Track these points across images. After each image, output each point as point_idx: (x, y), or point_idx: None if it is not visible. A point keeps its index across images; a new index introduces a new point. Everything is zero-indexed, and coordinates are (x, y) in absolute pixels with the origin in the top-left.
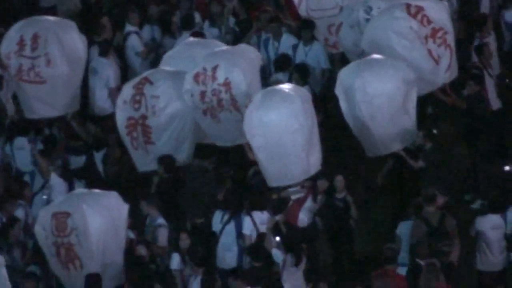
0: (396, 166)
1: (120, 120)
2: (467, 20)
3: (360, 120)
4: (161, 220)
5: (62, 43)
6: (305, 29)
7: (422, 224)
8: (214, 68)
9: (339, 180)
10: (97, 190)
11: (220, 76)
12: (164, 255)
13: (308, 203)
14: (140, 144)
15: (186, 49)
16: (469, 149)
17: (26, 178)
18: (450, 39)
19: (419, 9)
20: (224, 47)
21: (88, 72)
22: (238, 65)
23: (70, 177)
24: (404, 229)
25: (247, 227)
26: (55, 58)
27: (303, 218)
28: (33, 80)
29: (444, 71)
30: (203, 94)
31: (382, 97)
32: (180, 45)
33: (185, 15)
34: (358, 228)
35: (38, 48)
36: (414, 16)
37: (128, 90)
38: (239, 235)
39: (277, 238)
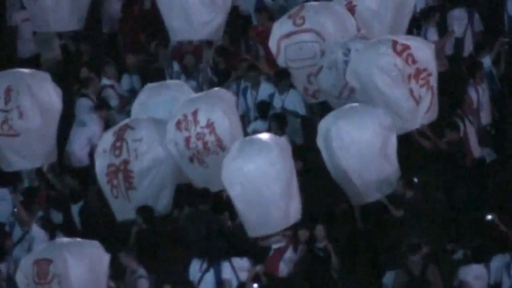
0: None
1: (100, 168)
2: (460, 65)
3: (339, 169)
4: (141, 271)
5: (35, 95)
6: (280, 78)
7: (404, 274)
8: (195, 113)
9: (320, 229)
10: (79, 239)
11: (202, 119)
12: None
13: (289, 253)
14: (121, 191)
15: (150, 95)
16: (450, 198)
17: (6, 229)
18: (433, 81)
19: (405, 47)
20: (192, 93)
21: (63, 122)
22: (217, 106)
23: (52, 228)
24: (390, 278)
25: (227, 272)
26: (27, 110)
27: (284, 268)
28: (7, 133)
29: (423, 112)
30: (187, 140)
31: (359, 144)
32: (143, 92)
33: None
34: (340, 277)
35: (11, 101)
36: (400, 54)
37: (107, 138)
38: (219, 283)
39: (255, 286)
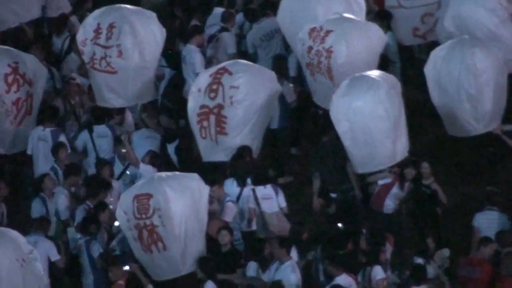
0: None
1: (192, 107)
2: None
3: (464, 96)
4: (230, 198)
5: (137, 34)
6: (381, 19)
7: None
8: (328, 32)
9: (426, 166)
10: (177, 172)
11: (328, 42)
12: None
13: (395, 189)
14: (210, 133)
15: None
16: None
17: None
18: None
19: None
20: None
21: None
22: (348, 38)
23: (160, 163)
24: (480, 220)
25: (251, 202)
26: (127, 49)
27: (389, 204)
28: (104, 69)
29: None
30: (310, 49)
31: (490, 72)
32: None
33: None
34: (445, 214)
35: (112, 38)
36: None
37: (204, 78)
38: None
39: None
